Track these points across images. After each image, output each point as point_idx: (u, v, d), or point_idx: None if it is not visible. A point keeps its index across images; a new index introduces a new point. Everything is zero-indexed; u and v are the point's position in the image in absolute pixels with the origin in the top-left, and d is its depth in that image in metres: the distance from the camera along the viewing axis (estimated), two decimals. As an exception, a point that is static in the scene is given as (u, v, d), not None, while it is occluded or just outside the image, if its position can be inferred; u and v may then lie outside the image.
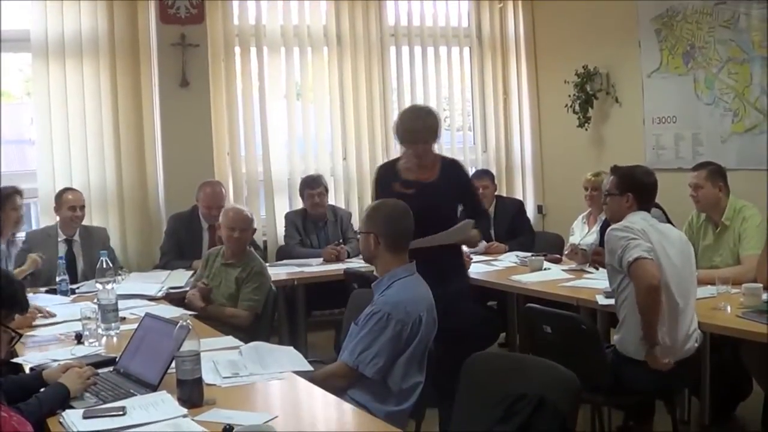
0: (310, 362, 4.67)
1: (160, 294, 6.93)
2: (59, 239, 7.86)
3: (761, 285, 5.54)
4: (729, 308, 5.39)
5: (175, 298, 6.90)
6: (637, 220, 5.28)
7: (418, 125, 6.14)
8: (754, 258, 6.23)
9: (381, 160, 10.15)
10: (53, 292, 6.91)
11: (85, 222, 8.20)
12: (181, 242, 8.34)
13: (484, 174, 9.17)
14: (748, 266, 6.16)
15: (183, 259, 8.12)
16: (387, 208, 5.11)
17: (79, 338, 5.19)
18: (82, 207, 8.02)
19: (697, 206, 6.72)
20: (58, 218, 7.97)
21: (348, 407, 3.97)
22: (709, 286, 5.71)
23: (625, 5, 9.64)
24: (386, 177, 6.33)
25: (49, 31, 8.81)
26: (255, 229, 7.07)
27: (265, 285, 6.79)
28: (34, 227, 8.72)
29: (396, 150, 10.19)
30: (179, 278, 7.47)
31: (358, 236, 5.10)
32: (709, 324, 5.28)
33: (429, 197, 6.00)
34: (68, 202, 7.90)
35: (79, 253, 7.89)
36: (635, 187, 5.46)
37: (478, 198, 7.07)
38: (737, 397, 6.21)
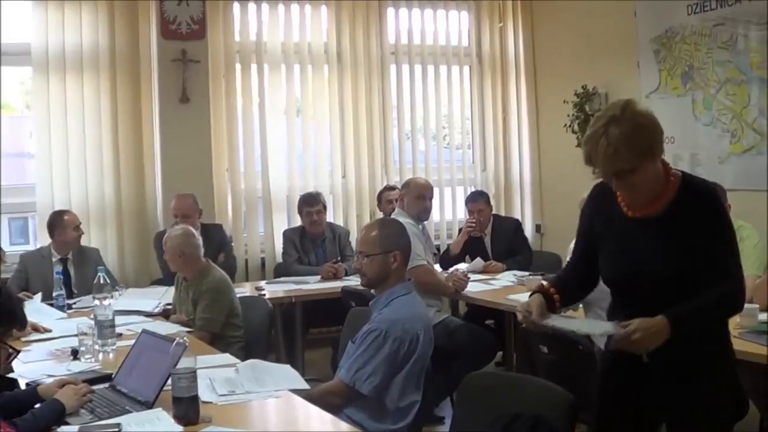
0: (307, 380, 4.65)
1: (157, 310, 6.88)
2: (54, 259, 7.85)
3: (758, 306, 5.55)
4: (726, 329, 5.39)
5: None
6: None
7: None
8: (751, 278, 6.21)
9: (380, 179, 10.20)
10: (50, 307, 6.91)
11: (82, 237, 8.20)
12: None
13: (480, 196, 9.12)
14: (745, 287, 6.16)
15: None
16: (396, 224, 5.16)
17: (75, 354, 5.17)
18: (79, 226, 8.05)
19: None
20: (50, 241, 7.97)
21: (344, 426, 3.96)
22: (705, 307, 5.71)
23: (625, 26, 9.67)
24: None
25: (50, 45, 8.84)
26: (186, 251, 6.54)
27: (220, 301, 6.45)
28: (30, 242, 8.72)
29: (395, 169, 10.24)
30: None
31: (365, 259, 5.01)
32: (706, 345, 5.28)
33: None
34: (72, 223, 7.93)
35: (73, 272, 7.89)
36: None
37: None
38: (733, 417, 6.20)
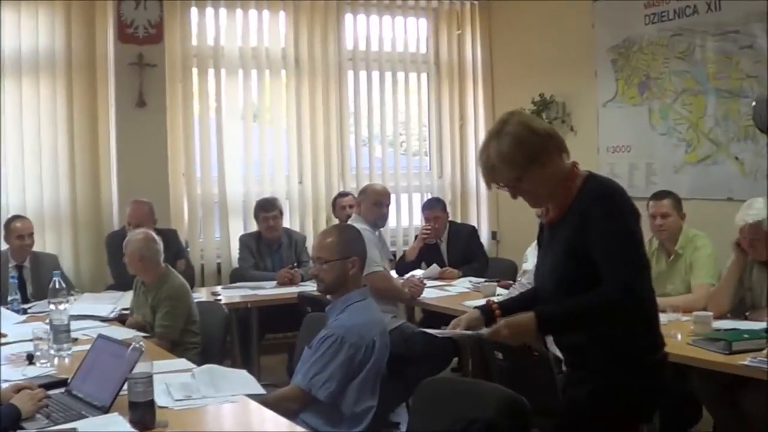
0: (262, 385, 4.65)
1: (113, 315, 6.86)
2: (10, 265, 7.80)
3: (711, 313, 5.61)
4: (679, 336, 5.43)
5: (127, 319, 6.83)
6: None
7: None
8: (704, 287, 6.31)
9: (337, 185, 10.21)
10: (4, 310, 6.88)
11: (38, 243, 8.17)
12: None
13: (436, 203, 9.15)
14: (699, 295, 6.24)
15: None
16: (353, 230, 5.17)
17: (30, 359, 5.13)
18: (31, 234, 7.97)
19: (661, 234, 6.76)
20: (7, 245, 7.94)
21: (300, 430, 3.96)
22: (660, 314, 5.76)
23: (583, 35, 9.74)
24: None
25: (5, 48, 8.78)
26: (148, 256, 6.49)
27: (178, 308, 6.38)
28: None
29: (352, 175, 10.26)
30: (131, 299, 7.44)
31: (323, 265, 5.01)
32: (659, 351, 5.33)
33: None
34: (16, 231, 7.87)
35: (28, 279, 7.85)
36: None
37: None
38: (687, 423, 6.25)
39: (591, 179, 3.73)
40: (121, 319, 6.74)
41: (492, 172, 3.67)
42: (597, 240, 3.55)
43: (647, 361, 3.73)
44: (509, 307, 4.01)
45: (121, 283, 7.97)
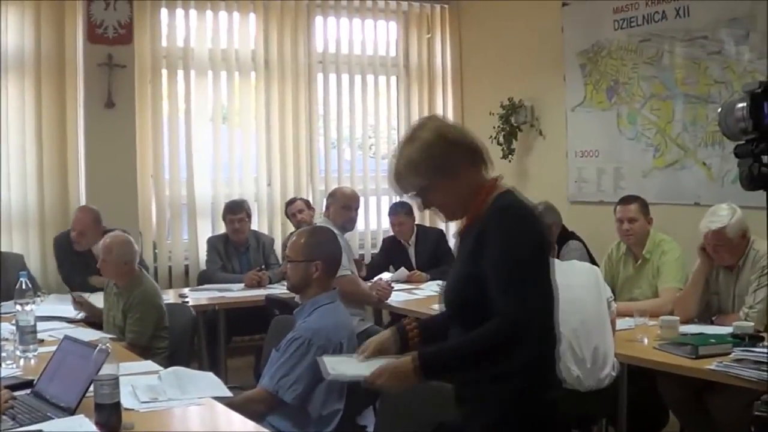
0: (229, 388, 4.66)
1: (79, 316, 6.83)
2: None
3: (678, 318, 5.64)
4: (646, 340, 5.48)
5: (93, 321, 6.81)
6: None
7: None
8: (671, 291, 6.35)
9: (305, 187, 10.20)
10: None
11: (4, 243, 8.15)
12: (73, 259, 8.24)
13: (400, 208, 9.11)
14: (666, 299, 6.30)
15: (81, 274, 8.01)
16: (325, 233, 5.18)
17: (-5, 359, 5.13)
18: None
19: (628, 239, 6.81)
20: None
21: (267, 433, 3.97)
22: (627, 318, 5.81)
23: (552, 39, 9.76)
24: None
25: (-26, 48, 8.73)
26: (125, 259, 6.42)
27: (148, 312, 6.33)
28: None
29: (321, 177, 10.25)
30: (100, 301, 7.39)
31: (288, 264, 5.03)
32: (626, 355, 5.36)
33: None
34: None
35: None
36: None
37: None
38: (654, 427, 6.28)
39: (502, 197, 3.46)
40: (87, 321, 6.72)
41: (399, 179, 3.53)
42: (490, 267, 3.30)
43: (541, 400, 3.42)
44: (429, 326, 3.78)
45: (73, 286, 7.94)
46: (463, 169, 3.46)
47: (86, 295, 7.41)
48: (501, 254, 3.28)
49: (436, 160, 3.42)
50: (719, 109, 3.24)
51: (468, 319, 3.37)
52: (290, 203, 9.48)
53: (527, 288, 3.26)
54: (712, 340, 5.12)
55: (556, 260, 5.65)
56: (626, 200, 6.94)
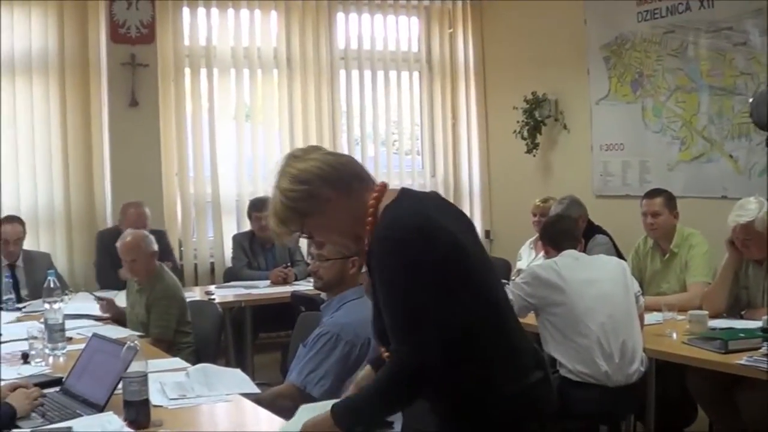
0: (256, 384, 4.65)
1: (107, 314, 6.86)
2: (2, 264, 7.77)
3: (707, 312, 5.59)
4: (675, 335, 5.44)
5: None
6: (548, 265, 5.54)
7: None
8: (700, 285, 6.29)
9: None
10: (-2, 311, 6.87)
11: (31, 242, 8.16)
12: (113, 257, 8.25)
13: None
14: (694, 293, 6.23)
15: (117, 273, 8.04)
16: None
17: (25, 358, 5.14)
18: (17, 241, 7.90)
19: (653, 233, 6.76)
20: None
21: (295, 429, 3.96)
22: (655, 313, 5.79)
23: (575, 33, 9.73)
24: None
25: (-1, 49, 8.77)
26: (152, 252, 6.51)
27: (171, 307, 6.36)
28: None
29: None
30: (122, 300, 7.40)
31: (326, 262, 4.97)
32: (654, 350, 5.33)
33: None
34: (3, 235, 7.82)
35: (22, 278, 7.83)
36: (545, 238, 5.92)
37: None
38: (682, 422, 6.24)
39: (384, 215, 3.16)
40: (114, 318, 6.72)
41: (277, 229, 3.29)
42: (382, 290, 3.09)
43: (505, 392, 3.15)
44: None
45: (106, 283, 7.96)
46: (333, 200, 3.19)
47: (112, 294, 7.46)
48: (382, 290, 3.08)
49: (295, 204, 3.20)
50: (750, 100, 3.21)
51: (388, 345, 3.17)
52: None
53: (414, 322, 3.02)
54: (742, 335, 5.07)
55: (584, 255, 5.67)
56: (651, 194, 6.89)
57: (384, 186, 3.26)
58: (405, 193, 3.25)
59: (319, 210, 3.18)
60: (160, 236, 8.53)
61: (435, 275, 3.01)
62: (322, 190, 3.17)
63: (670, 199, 6.73)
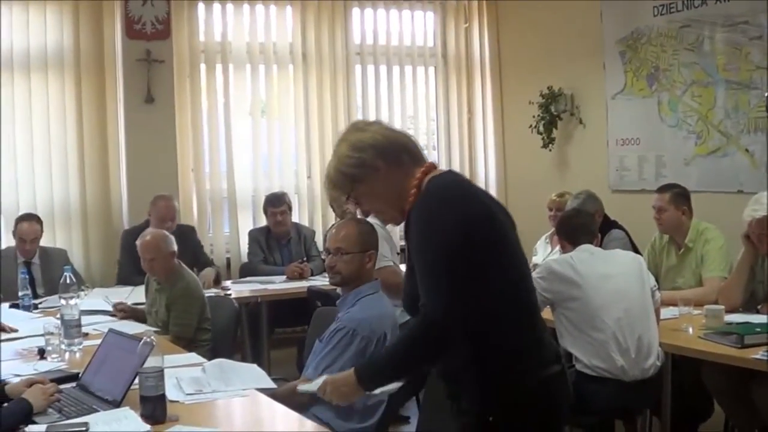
0: (272, 380, 4.67)
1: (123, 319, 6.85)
2: (18, 261, 7.81)
3: (723, 307, 5.59)
4: (691, 329, 5.44)
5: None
6: (564, 260, 5.55)
7: None
8: (716, 280, 6.28)
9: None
10: (16, 307, 6.88)
11: (48, 238, 8.18)
12: (136, 257, 8.27)
13: None
14: (710, 288, 6.21)
15: (141, 275, 8.05)
16: (367, 223, 5.17)
17: (41, 353, 5.16)
18: (33, 240, 7.92)
19: (660, 228, 6.77)
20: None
21: (310, 424, 3.97)
22: (671, 307, 5.78)
23: (591, 27, 9.71)
24: None
25: (15, 45, 8.79)
26: (171, 252, 6.47)
27: (192, 305, 6.39)
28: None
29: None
30: (142, 294, 7.41)
31: (345, 255, 4.97)
32: (670, 344, 5.33)
33: None
34: (20, 233, 7.87)
35: (38, 275, 7.85)
36: (561, 233, 5.92)
37: None
38: (698, 417, 6.24)
39: (430, 183, 3.34)
40: (131, 316, 6.72)
41: (326, 190, 3.55)
42: (417, 251, 3.23)
43: (527, 381, 3.24)
44: None
45: (129, 280, 7.98)
46: (383, 171, 3.36)
47: (128, 289, 7.49)
48: (417, 246, 3.23)
49: (348, 172, 3.39)
50: (766, 94, 3.20)
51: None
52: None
53: (443, 282, 3.14)
54: (758, 329, 5.07)
55: (600, 249, 5.67)
56: (660, 189, 6.88)
57: (432, 164, 3.43)
58: (451, 171, 3.56)
59: (368, 178, 3.37)
60: (190, 232, 8.60)
61: (465, 241, 3.14)
62: (373, 160, 3.36)
63: (678, 195, 6.69)
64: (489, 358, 3.20)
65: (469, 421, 3.28)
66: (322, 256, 6.93)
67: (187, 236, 8.33)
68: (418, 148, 3.48)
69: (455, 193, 3.27)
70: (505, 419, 3.22)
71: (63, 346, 5.27)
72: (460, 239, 3.13)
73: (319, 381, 3.62)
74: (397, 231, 9.62)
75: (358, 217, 5.75)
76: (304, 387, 4.04)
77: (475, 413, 3.25)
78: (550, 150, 10.22)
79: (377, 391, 3.55)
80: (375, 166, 3.35)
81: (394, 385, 3.57)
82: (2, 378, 4.52)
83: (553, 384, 3.30)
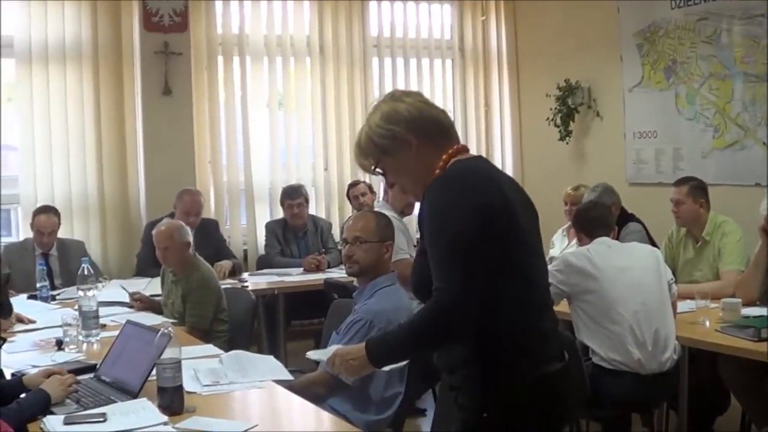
0: (289, 371, 4.67)
1: (140, 310, 6.86)
2: (36, 253, 7.84)
3: (740, 300, 5.56)
4: (708, 323, 5.43)
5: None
6: (581, 252, 5.54)
7: None
8: (733, 273, 6.26)
9: (362, 172, 10.16)
10: (33, 298, 6.90)
11: (65, 230, 8.20)
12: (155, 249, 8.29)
13: None
14: (728, 281, 6.19)
15: (158, 266, 8.07)
16: (384, 216, 5.18)
17: (59, 345, 5.17)
18: (51, 233, 7.95)
19: (677, 221, 6.75)
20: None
21: (327, 416, 3.98)
22: (688, 301, 5.77)
23: (608, 20, 9.69)
24: None
25: (33, 37, 8.80)
26: (185, 242, 6.46)
27: (207, 296, 6.39)
28: (13, 233, 8.72)
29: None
30: (158, 286, 7.42)
31: (364, 244, 4.98)
32: (687, 338, 5.32)
33: None
34: (37, 226, 7.90)
35: (55, 266, 7.88)
36: (578, 225, 5.92)
37: None
38: (715, 411, 6.22)
39: (451, 166, 3.29)
40: (148, 307, 6.73)
41: (356, 158, 3.47)
42: (429, 236, 3.17)
43: (526, 378, 3.18)
44: None
45: (145, 273, 8.00)
46: (414, 147, 3.30)
47: (146, 281, 7.51)
48: (429, 229, 3.17)
49: (378, 142, 3.33)
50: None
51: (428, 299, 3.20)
52: (353, 185, 9.45)
53: (454, 265, 3.08)
54: (775, 323, 5.06)
55: (617, 242, 5.66)
56: (677, 182, 6.86)
57: (464, 147, 3.36)
58: (480, 158, 3.43)
59: (398, 151, 3.31)
60: (214, 226, 8.62)
61: (477, 226, 3.07)
62: (405, 133, 3.28)
63: (695, 188, 6.66)
64: (488, 353, 3.16)
65: (467, 417, 3.25)
66: (339, 248, 6.94)
67: (210, 230, 8.38)
68: (453, 126, 3.41)
69: (472, 182, 3.18)
70: (501, 416, 3.17)
71: (81, 337, 5.29)
72: (474, 230, 3.07)
73: (329, 350, 3.67)
74: (413, 224, 9.67)
75: (382, 190, 5.75)
76: (314, 354, 4.11)
77: (472, 409, 3.22)
78: (567, 143, 10.21)
79: (386, 368, 3.57)
80: (406, 140, 3.29)
81: (401, 363, 3.63)
82: (20, 369, 4.56)
83: (554, 381, 3.24)
